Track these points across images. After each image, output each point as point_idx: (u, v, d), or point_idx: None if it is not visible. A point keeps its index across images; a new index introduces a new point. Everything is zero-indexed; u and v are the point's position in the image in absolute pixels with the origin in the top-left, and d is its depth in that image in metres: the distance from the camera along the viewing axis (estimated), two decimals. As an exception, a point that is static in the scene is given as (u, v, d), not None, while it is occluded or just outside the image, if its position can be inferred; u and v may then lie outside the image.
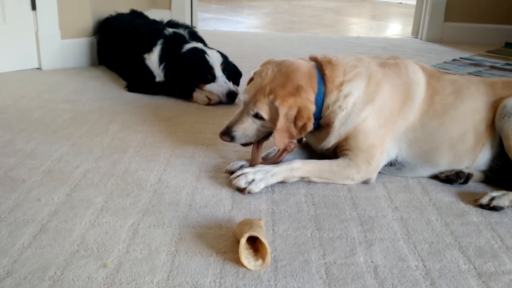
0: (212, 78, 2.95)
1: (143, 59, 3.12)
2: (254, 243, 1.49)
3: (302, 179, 1.94)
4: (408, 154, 2.01)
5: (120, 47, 3.37)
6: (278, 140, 1.86)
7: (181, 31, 3.20)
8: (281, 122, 1.84)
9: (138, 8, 4.02)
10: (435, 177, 2.05)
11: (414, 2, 5.87)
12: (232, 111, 2.83)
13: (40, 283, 1.33)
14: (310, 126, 1.86)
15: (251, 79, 1.98)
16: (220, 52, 3.06)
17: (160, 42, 3.08)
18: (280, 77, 1.88)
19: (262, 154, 2.04)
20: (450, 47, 5.04)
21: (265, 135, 1.98)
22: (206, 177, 1.99)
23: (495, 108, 1.99)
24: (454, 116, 1.98)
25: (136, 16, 3.79)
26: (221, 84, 2.95)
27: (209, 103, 2.94)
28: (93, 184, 1.89)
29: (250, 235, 1.44)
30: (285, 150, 1.96)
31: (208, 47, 3.13)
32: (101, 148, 2.23)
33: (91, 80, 3.38)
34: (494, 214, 1.80)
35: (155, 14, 4.56)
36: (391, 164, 2.04)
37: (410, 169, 2.04)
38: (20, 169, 2.00)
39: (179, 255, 1.48)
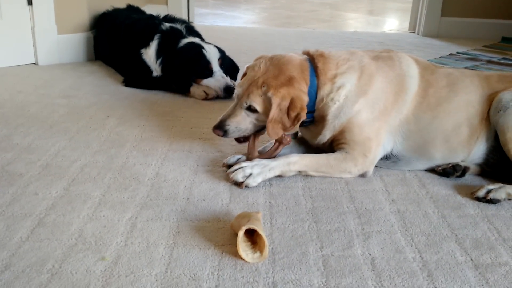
0: (210, 73, 2.95)
1: (140, 54, 3.12)
2: (252, 236, 1.49)
3: (300, 173, 1.95)
4: (403, 147, 2.02)
5: (116, 42, 3.36)
6: (271, 131, 1.87)
7: (178, 26, 3.20)
8: (274, 112, 1.85)
9: (135, 3, 4.01)
10: (432, 170, 2.06)
11: (411, -3, 5.87)
12: (229, 105, 2.84)
13: (39, 276, 1.33)
14: (303, 116, 1.87)
15: (245, 74, 1.99)
16: (217, 47, 3.06)
17: (157, 37, 3.08)
18: (273, 70, 1.90)
19: (258, 148, 2.05)
20: (447, 42, 5.04)
21: (259, 129, 1.98)
22: (203, 171, 1.99)
23: (490, 101, 1.99)
24: (448, 109, 1.98)
25: (132, 11, 3.78)
26: (219, 78, 2.95)
27: (206, 97, 2.94)
28: (90, 178, 1.89)
29: (248, 228, 1.44)
30: (280, 143, 1.97)
31: (205, 42, 3.13)
32: (99, 143, 2.23)
33: (88, 75, 3.37)
34: (491, 206, 1.80)
35: (152, 9, 4.54)
36: (386, 157, 2.04)
37: (405, 162, 2.05)
38: (17, 163, 2.00)
39: (177, 248, 1.48)
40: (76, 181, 1.87)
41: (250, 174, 1.85)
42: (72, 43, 3.67)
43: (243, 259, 1.43)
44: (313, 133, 2.04)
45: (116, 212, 1.67)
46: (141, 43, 3.12)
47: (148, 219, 1.63)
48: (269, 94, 1.85)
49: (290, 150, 2.11)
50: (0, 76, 3.24)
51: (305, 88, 1.90)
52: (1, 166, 1.97)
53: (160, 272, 1.37)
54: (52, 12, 3.50)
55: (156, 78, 3.09)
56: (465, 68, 3.71)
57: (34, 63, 3.57)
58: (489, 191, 1.84)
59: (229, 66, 3.08)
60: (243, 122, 1.94)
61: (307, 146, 2.16)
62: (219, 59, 2.99)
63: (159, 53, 3.05)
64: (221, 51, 3.05)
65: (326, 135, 1.99)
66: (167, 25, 3.16)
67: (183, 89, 2.98)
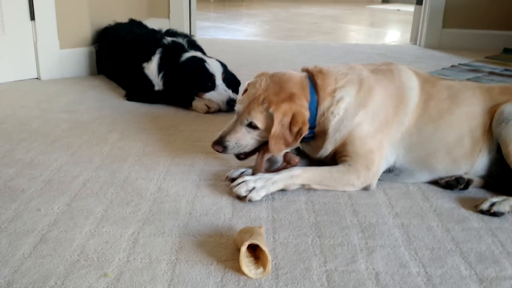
0: (212, 87, 2.96)
1: (142, 68, 3.13)
2: (255, 251, 1.48)
3: (303, 186, 1.94)
4: (405, 160, 2.01)
5: (119, 57, 3.37)
6: (274, 146, 1.87)
7: (179, 40, 3.21)
8: (276, 128, 1.85)
9: (137, 18, 4.04)
10: (435, 183, 2.05)
11: (412, 9, 5.89)
12: (232, 119, 2.84)
13: (40, 294, 1.33)
14: (305, 131, 1.87)
15: (246, 90, 2.00)
16: (219, 61, 3.07)
17: (158, 51, 3.09)
18: (274, 86, 1.91)
19: (266, 165, 2.04)
20: (448, 53, 5.05)
21: (260, 145, 1.98)
22: (206, 185, 1.99)
23: (492, 113, 1.99)
24: (450, 121, 1.98)
25: (134, 25, 3.80)
26: (221, 92, 2.96)
27: (208, 111, 2.94)
28: (92, 194, 1.89)
29: (250, 243, 1.43)
30: (289, 163, 1.98)
31: (207, 56, 3.14)
32: (101, 158, 2.23)
33: (90, 89, 3.38)
34: (495, 219, 1.79)
35: (154, 23, 4.56)
36: (389, 170, 2.04)
37: (408, 175, 2.04)
38: (19, 179, 2.00)
39: (180, 264, 1.47)
40: (78, 196, 1.87)
41: (253, 188, 1.85)
42: (75, 57, 3.69)
43: (246, 275, 1.42)
44: (314, 147, 2.04)
45: (118, 227, 1.66)
46: (143, 57, 3.13)
47: (151, 235, 1.62)
48: (271, 110, 1.86)
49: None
50: (3, 91, 3.26)
51: (306, 104, 1.91)
52: (3, 182, 1.97)
53: (163, 289, 1.36)
54: (55, 27, 3.52)
55: (158, 92, 3.10)
56: (467, 79, 3.72)
57: (37, 78, 3.59)
58: (492, 204, 1.83)
59: (230, 80, 3.09)
60: (243, 139, 1.94)
61: (310, 159, 2.15)
62: (222, 73, 3.00)
63: (160, 67, 3.06)
64: (223, 65, 3.06)
65: (328, 149, 2.00)
66: (169, 39, 3.17)
67: (185, 103, 2.99)
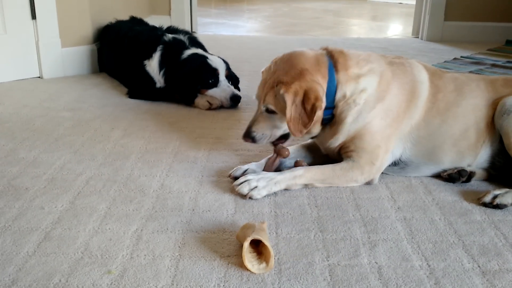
0: (215, 83, 2.96)
1: (143, 66, 3.13)
2: (258, 246, 1.49)
3: (306, 186, 1.94)
4: (412, 153, 2.01)
5: (120, 54, 3.38)
6: (293, 129, 1.86)
7: (181, 37, 3.21)
8: (290, 111, 1.83)
9: (138, 15, 4.04)
10: (438, 176, 2.05)
11: (414, 2, 5.88)
12: (234, 115, 2.85)
13: (45, 291, 1.34)
14: (320, 107, 1.84)
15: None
16: (221, 58, 3.08)
17: (159, 48, 3.09)
18: (284, 65, 1.90)
19: (262, 160, 2.05)
20: (450, 46, 5.04)
21: (285, 133, 1.98)
22: (208, 181, 2.00)
23: (495, 105, 1.99)
24: (456, 113, 1.99)
25: (135, 23, 3.80)
26: (225, 88, 2.97)
27: (210, 107, 2.94)
28: (96, 191, 1.90)
29: (253, 238, 1.44)
30: (278, 155, 1.97)
31: (209, 53, 3.14)
32: (104, 155, 2.24)
33: (92, 87, 3.39)
34: (497, 212, 1.79)
35: (155, 20, 4.57)
36: (395, 163, 2.04)
37: (414, 168, 2.04)
38: (23, 177, 2.01)
39: (183, 260, 1.48)
40: (82, 194, 1.88)
41: (256, 187, 1.85)
42: (76, 56, 3.70)
43: (249, 270, 1.42)
44: (326, 135, 2.02)
45: (121, 224, 1.67)
46: (144, 54, 3.14)
47: (154, 231, 1.63)
48: (282, 92, 1.84)
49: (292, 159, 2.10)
50: (5, 90, 3.27)
51: (320, 80, 1.87)
52: (7, 181, 1.98)
53: (166, 285, 1.37)
54: (56, 26, 3.53)
55: (160, 89, 3.10)
56: (470, 72, 3.71)
57: (39, 77, 3.59)
58: (495, 196, 1.83)
59: (232, 77, 3.09)
60: (266, 127, 1.95)
61: (312, 155, 2.15)
62: (224, 69, 3.00)
63: (162, 64, 3.06)
64: (225, 62, 3.06)
65: (339, 139, 1.97)
66: (170, 36, 3.18)
67: (188, 100, 2.99)
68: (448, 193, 1.93)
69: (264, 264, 1.43)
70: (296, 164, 2.00)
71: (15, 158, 2.19)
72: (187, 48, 3.08)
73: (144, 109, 2.94)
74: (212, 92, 2.96)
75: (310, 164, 2.04)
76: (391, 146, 1.97)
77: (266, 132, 1.96)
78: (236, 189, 1.86)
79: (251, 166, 2.02)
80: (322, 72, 1.89)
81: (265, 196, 1.86)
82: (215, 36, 5.71)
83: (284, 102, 1.84)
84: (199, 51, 3.09)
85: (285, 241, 1.59)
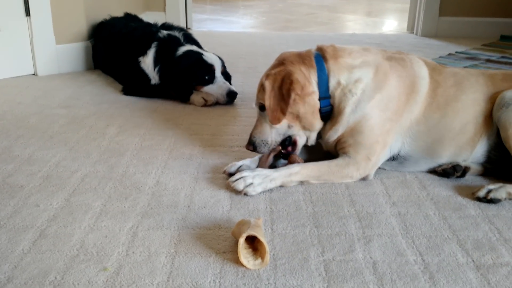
0: (211, 79, 2.96)
1: (138, 62, 3.12)
2: (253, 242, 1.49)
3: (301, 183, 1.94)
4: (411, 148, 2.02)
5: (115, 51, 3.37)
6: (272, 118, 1.90)
7: (175, 33, 3.20)
8: (268, 98, 1.89)
9: (132, 11, 4.03)
10: (432, 171, 2.06)
11: (409, -2, 5.87)
12: (230, 111, 2.85)
13: (41, 288, 1.34)
14: (296, 89, 1.88)
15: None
16: (216, 55, 3.07)
17: (154, 45, 3.08)
18: (273, 64, 1.99)
19: (256, 157, 2.05)
20: (445, 42, 5.05)
21: (285, 140, 1.99)
22: (204, 178, 2.00)
23: (493, 100, 2.00)
24: (456, 108, 2.00)
25: (130, 19, 3.79)
26: (221, 85, 2.96)
27: (206, 104, 2.94)
28: (91, 189, 1.90)
29: (248, 234, 1.44)
30: (271, 151, 1.98)
31: (204, 50, 3.14)
32: (99, 152, 2.24)
33: (87, 84, 3.38)
34: (492, 206, 1.80)
35: (150, 16, 4.55)
36: (393, 158, 2.05)
37: (412, 163, 2.05)
38: (18, 175, 2.00)
39: (179, 257, 1.48)
40: (77, 191, 1.88)
41: (251, 184, 1.85)
42: (71, 52, 3.68)
43: (245, 266, 1.43)
44: (325, 128, 2.02)
45: (117, 221, 1.67)
46: (139, 51, 3.13)
47: (149, 228, 1.63)
48: (263, 81, 1.92)
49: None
50: (0, 88, 3.25)
51: (303, 68, 1.92)
52: (2, 178, 1.97)
53: (162, 281, 1.37)
54: (50, 23, 3.52)
55: (155, 86, 3.10)
56: (465, 67, 3.72)
57: (33, 74, 3.58)
58: (489, 191, 1.84)
59: (226, 74, 3.09)
60: (264, 130, 1.97)
61: (309, 151, 2.16)
62: (219, 65, 3.00)
63: (156, 61, 3.05)
64: (221, 59, 3.06)
65: (338, 131, 1.98)
66: (165, 32, 3.17)
67: (183, 97, 2.99)
68: (442, 188, 1.94)
69: (259, 260, 1.44)
70: (290, 159, 2.01)
71: (9, 156, 2.19)
72: (182, 44, 3.08)
73: (139, 106, 2.93)
74: (208, 88, 2.96)
75: (307, 161, 2.05)
76: (389, 141, 1.98)
77: (266, 135, 1.97)
78: (232, 185, 1.86)
79: (246, 162, 2.02)
80: (307, 63, 1.95)
81: (260, 193, 1.86)
82: (210, 32, 5.69)
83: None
84: (194, 47, 3.09)
85: (281, 237, 1.59)
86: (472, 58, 4.23)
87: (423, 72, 2.04)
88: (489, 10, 5.28)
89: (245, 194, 1.84)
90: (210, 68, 2.95)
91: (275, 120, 1.90)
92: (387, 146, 1.98)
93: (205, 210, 1.75)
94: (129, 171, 2.06)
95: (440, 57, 4.29)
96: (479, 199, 1.83)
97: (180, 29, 3.32)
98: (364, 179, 1.99)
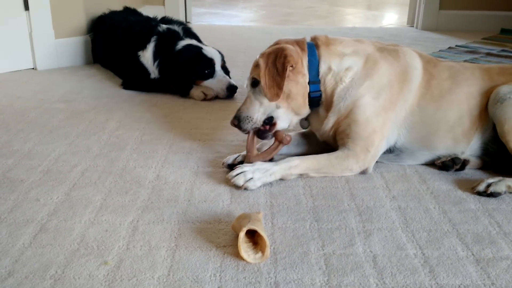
0: (211, 74, 2.95)
1: (137, 56, 3.12)
2: (253, 236, 1.49)
3: (301, 175, 1.94)
4: (407, 140, 2.02)
5: (114, 45, 3.36)
6: (269, 94, 1.91)
7: (175, 27, 3.20)
8: (264, 75, 1.91)
9: (132, 5, 4.01)
10: (432, 165, 2.06)
11: (409, -9, 5.85)
12: (230, 105, 2.85)
13: (42, 283, 1.34)
14: (291, 62, 1.91)
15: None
16: (216, 49, 3.07)
17: (153, 39, 3.08)
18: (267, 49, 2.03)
19: (257, 145, 2.04)
20: (445, 35, 5.04)
21: (268, 118, 1.98)
22: (204, 172, 2.00)
23: (489, 93, 2.00)
24: (451, 100, 2.00)
25: (129, 13, 3.78)
26: (221, 79, 2.96)
27: (205, 98, 2.94)
28: (91, 183, 1.90)
29: (249, 228, 1.44)
30: (280, 142, 1.97)
31: (203, 44, 3.13)
32: (99, 147, 2.24)
33: (86, 78, 3.37)
34: (491, 200, 1.80)
35: (149, 10, 4.54)
36: (390, 150, 2.05)
37: (409, 155, 2.05)
38: (18, 169, 2.00)
39: (179, 251, 1.49)
40: (77, 185, 1.88)
41: (251, 178, 1.85)
42: (70, 47, 3.67)
43: (245, 260, 1.43)
44: (319, 119, 2.04)
45: (117, 216, 1.67)
46: (138, 45, 3.12)
47: (150, 222, 1.63)
48: (258, 60, 1.96)
49: (288, 148, 2.10)
50: (-1, 82, 3.25)
51: (295, 47, 1.97)
52: (2, 173, 1.97)
53: (163, 275, 1.38)
54: (49, 17, 3.51)
55: (154, 80, 3.09)
56: (464, 61, 3.71)
57: (33, 68, 3.58)
58: (489, 185, 1.84)
59: (224, 68, 3.09)
60: (252, 108, 1.97)
61: (309, 143, 2.16)
62: (219, 59, 3.00)
63: (156, 55, 3.04)
64: (220, 53, 3.05)
65: (330, 119, 1.99)
66: (164, 26, 3.16)
67: (183, 91, 2.98)
68: (442, 182, 1.94)
69: (259, 254, 1.44)
70: (276, 135, 1.99)
71: (9, 150, 2.19)
72: (181, 39, 3.07)
73: (139, 100, 2.93)
74: (207, 83, 2.95)
75: (306, 153, 2.04)
76: (386, 132, 1.98)
77: (252, 112, 1.97)
78: (232, 181, 1.86)
79: (243, 153, 2.02)
80: (299, 45, 1.99)
81: (260, 186, 1.86)
82: (210, 26, 5.68)
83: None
84: (194, 42, 3.08)
85: (281, 231, 1.59)
86: (472, 52, 4.23)
87: (416, 63, 2.05)
88: (490, 3, 5.27)
89: (245, 188, 1.84)
90: (209, 62, 2.94)
91: (274, 96, 1.91)
92: (384, 137, 1.99)
93: (205, 204, 1.75)
94: (129, 165, 2.06)
95: (440, 50, 4.29)
96: (479, 193, 1.84)
97: (179, 23, 3.31)
98: (363, 172, 1.99)
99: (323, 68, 1.98)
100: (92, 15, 3.82)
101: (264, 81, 1.91)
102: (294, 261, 1.44)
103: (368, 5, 8.36)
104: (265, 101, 1.95)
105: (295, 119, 2.03)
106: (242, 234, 1.44)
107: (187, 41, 3.04)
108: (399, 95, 1.99)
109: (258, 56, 1.99)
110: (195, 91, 2.95)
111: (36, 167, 2.02)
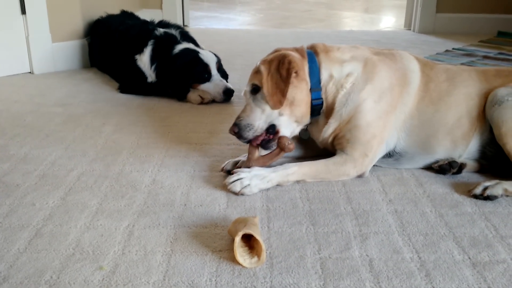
0: (208, 77, 2.95)
1: (135, 60, 3.11)
2: (249, 240, 1.49)
3: (298, 182, 1.94)
4: (406, 143, 2.02)
5: (111, 49, 3.36)
6: (272, 102, 1.88)
7: (172, 31, 3.20)
8: (266, 82, 1.89)
9: (129, 9, 4.01)
10: (429, 168, 2.06)
11: (406, -6, 5.86)
12: (226, 109, 2.85)
13: (36, 288, 1.33)
14: (295, 68, 1.89)
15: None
16: (212, 52, 3.07)
17: (150, 42, 3.08)
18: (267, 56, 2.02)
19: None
20: (442, 38, 5.04)
21: (270, 126, 1.93)
22: (200, 176, 1.99)
23: (486, 95, 2.01)
24: (449, 102, 2.01)
25: (126, 17, 3.78)
26: (217, 83, 2.96)
27: (202, 102, 2.94)
28: (87, 187, 1.89)
29: (244, 233, 1.44)
30: (282, 150, 1.93)
31: (200, 48, 3.13)
32: (95, 151, 2.23)
33: (83, 82, 3.37)
34: (488, 203, 1.80)
35: (147, 14, 4.54)
36: (389, 155, 2.05)
37: (408, 159, 2.05)
38: (14, 174, 2.00)
39: (175, 255, 1.48)
40: (73, 190, 1.87)
41: (248, 185, 1.84)
42: (67, 51, 3.67)
43: (241, 265, 1.43)
44: (318, 126, 2.03)
45: (113, 220, 1.67)
46: (135, 49, 3.12)
47: (145, 227, 1.63)
48: (259, 65, 1.94)
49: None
50: (-4, 86, 3.25)
51: (296, 55, 1.96)
52: (-3, 177, 1.97)
53: (158, 280, 1.37)
54: (46, 21, 3.50)
55: (151, 84, 3.09)
56: (461, 64, 3.72)
57: (29, 72, 3.57)
58: (485, 188, 1.84)
59: (222, 72, 3.09)
60: (253, 115, 1.93)
61: (306, 147, 2.15)
62: (216, 63, 3.00)
63: (153, 59, 3.04)
64: (217, 56, 3.05)
65: (331, 125, 1.98)
66: (161, 30, 3.16)
67: (180, 95, 2.98)
68: (439, 185, 1.94)
69: (255, 258, 1.44)
70: (279, 142, 1.92)
71: (5, 155, 2.18)
72: (178, 42, 3.07)
73: (136, 104, 2.93)
74: (204, 86, 2.95)
75: (302, 158, 2.03)
76: (386, 135, 1.98)
77: (253, 119, 1.92)
78: (228, 187, 1.85)
79: (242, 158, 2.01)
80: (300, 53, 1.99)
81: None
82: (207, 30, 5.68)
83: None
84: (191, 45, 3.08)
85: (277, 235, 1.59)
86: (469, 55, 4.23)
87: (413, 66, 2.06)
88: (487, 6, 5.28)
89: (242, 194, 1.83)
90: (206, 66, 2.94)
91: (277, 103, 1.88)
92: (383, 141, 1.98)
93: (201, 209, 1.75)
94: (125, 169, 2.05)
95: (437, 53, 4.29)
96: (475, 196, 1.83)
97: (176, 26, 3.32)
98: (360, 176, 1.98)
99: (324, 75, 1.97)
100: (89, 18, 3.81)
101: (266, 87, 1.89)
102: (290, 266, 1.44)
103: (365, 8, 8.37)
104: (267, 108, 1.92)
105: (297, 129, 2.00)
106: (238, 239, 1.43)
107: (184, 45, 3.04)
108: (399, 98, 1.99)
109: (258, 63, 1.98)
110: (192, 95, 2.95)
111: (32, 172, 2.02)
